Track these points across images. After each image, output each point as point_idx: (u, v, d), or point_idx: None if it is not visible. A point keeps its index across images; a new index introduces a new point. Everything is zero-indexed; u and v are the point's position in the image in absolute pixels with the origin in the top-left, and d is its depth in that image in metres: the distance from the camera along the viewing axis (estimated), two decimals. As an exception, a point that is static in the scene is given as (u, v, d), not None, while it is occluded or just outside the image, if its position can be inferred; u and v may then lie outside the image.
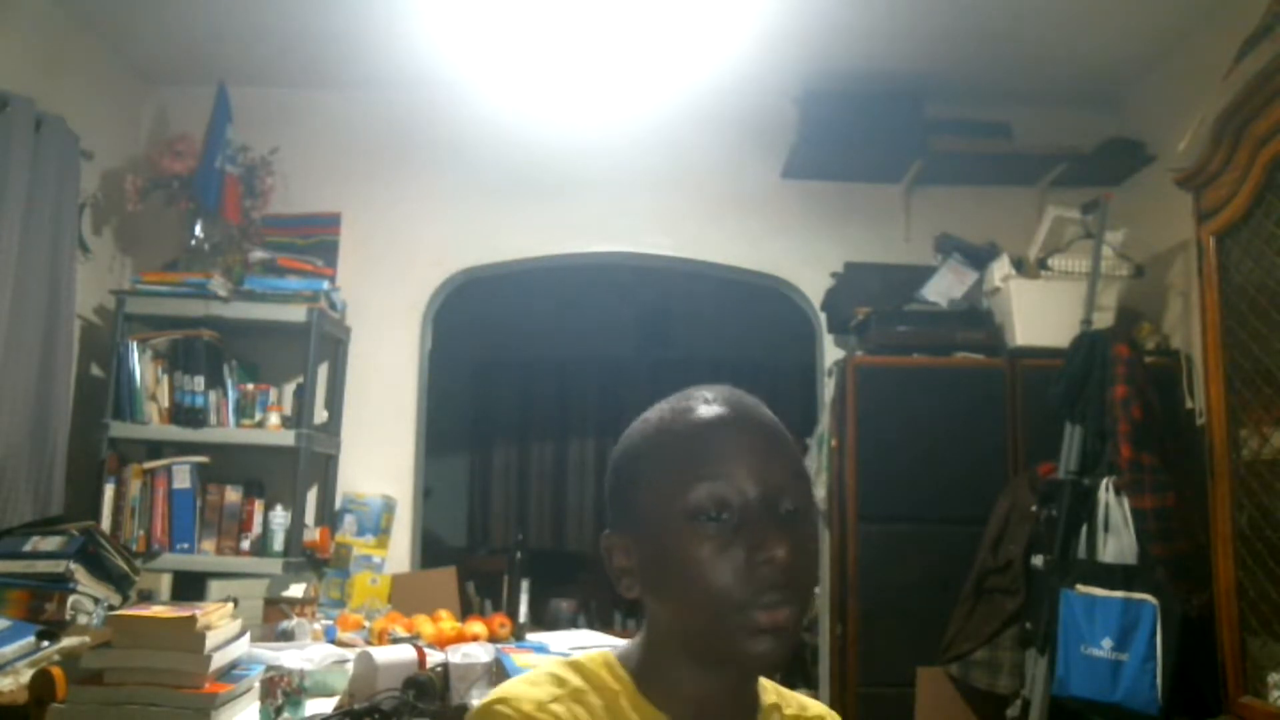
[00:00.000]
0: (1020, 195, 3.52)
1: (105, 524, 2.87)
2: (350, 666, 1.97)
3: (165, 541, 2.99)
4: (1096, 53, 3.21)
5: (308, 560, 3.13)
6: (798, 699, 0.97)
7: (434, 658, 2.02)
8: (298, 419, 3.11)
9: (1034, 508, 2.67)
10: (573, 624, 5.00)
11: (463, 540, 5.88)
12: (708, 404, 0.87)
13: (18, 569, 2.20)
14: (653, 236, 3.58)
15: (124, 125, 3.45)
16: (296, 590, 2.51)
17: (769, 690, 0.94)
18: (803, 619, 0.83)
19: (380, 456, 3.42)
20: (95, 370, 3.21)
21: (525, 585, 2.73)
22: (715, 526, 0.81)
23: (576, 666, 0.88)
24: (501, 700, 0.82)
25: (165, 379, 3.06)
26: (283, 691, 1.72)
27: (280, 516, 3.05)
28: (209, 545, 3.04)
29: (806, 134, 3.37)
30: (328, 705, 1.82)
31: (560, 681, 0.85)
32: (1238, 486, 2.20)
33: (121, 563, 2.35)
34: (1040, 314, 3.02)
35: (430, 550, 3.84)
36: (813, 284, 3.54)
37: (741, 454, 0.83)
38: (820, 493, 3.19)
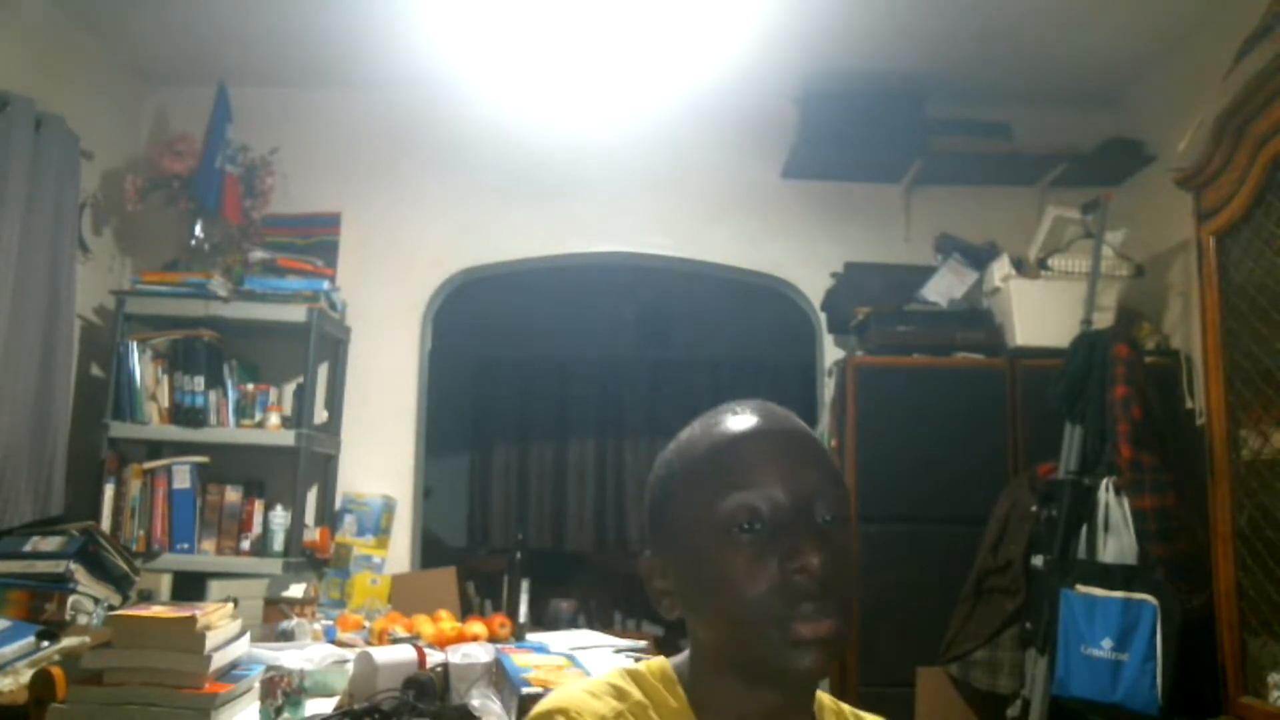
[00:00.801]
0: (1020, 195, 3.52)
1: (105, 524, 2.87)
2: (350, 666, 1.97)
3: (165, 541, 2.99)
4: (1096, 53, 3.21)
5: (308, 560, 3.13)
6: (857, 715, 0.94)
7: (434, 658, 2.02)
8: (298, 419, 3.11)
9: (1034, 508, 2.67)
10: (573, 624, 4.99)
11: (463, 540, 5.88)
12: (736, 415, 0.86)
13: (18, 569, 2.21)
14: (652, 236, 3.58)
15: (124, 125, 3.45)
16: (296, 590, 2.51)
17: (827, 708, 0.92)
18: (847, 630, 0.80)
19: (380, 456, 3.42)
20: (95, 370, 3.21)
21: (525, 585, 2.73)
22: (749, 537, 0.79)
23: (637, 678, 0.85)
24: (561, 710, 0.79)
25: (165, 379, 3.06)
26: (283, 691, 1.72)
27: (280, 516, 3.05)
28: (209, 545, 3.04)
29: (806, 134, 3.37)
30: (328, 705, 1.82)
31: (622, 694, 0.82)
32: (1238, 486, 2.20)
33: (121, 563, 2.35)
34: (1040, 314, 3.02)
35: (430, 550, 3.84)
36: (813, 284, 3.54)
37: (771, 462, 0.82)
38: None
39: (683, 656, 0.89)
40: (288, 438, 3.05)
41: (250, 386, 3.15)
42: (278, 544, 3.04)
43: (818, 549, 0.77)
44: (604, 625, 5.06)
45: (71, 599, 2.17)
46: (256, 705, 1.73)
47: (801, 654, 0.77)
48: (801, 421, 0.88)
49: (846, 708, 0.94)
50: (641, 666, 0.88)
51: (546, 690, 1.78)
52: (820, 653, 0.77)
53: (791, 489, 0.80)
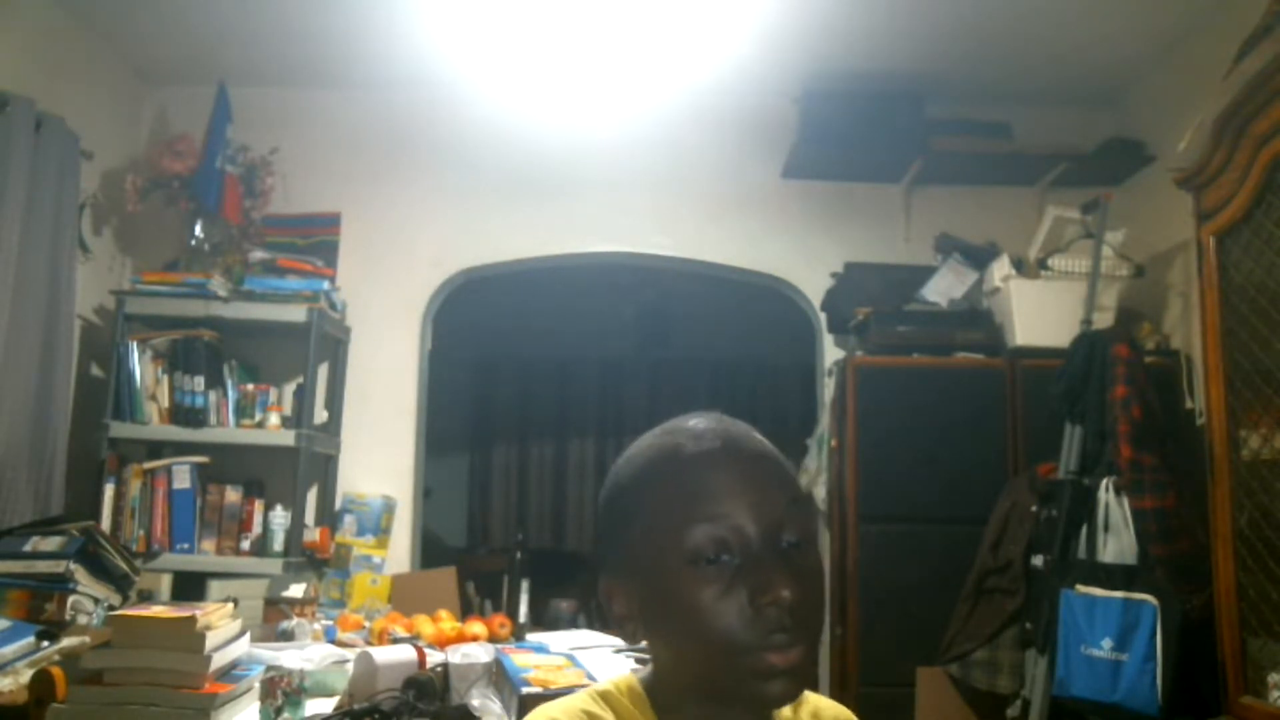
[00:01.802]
0: (1020, 195, 3.52)
1: (105, 524, 2.87)
2: (350, 667, 1.97)
3: (165, 541, 2.99)
4: (1096, 53, 3.21)
5: (308, 560, 3.13)
6: (813, 701, 0.94)
7: (434, 658, 2.02)
8: (298, 419, 3.11)
9: (1034, 508, 2.67)
10: (573, 624, 4.99)
11: (463, 540, 5.88)
12: (697, 439, 0.83)
13: (18, 569, 2.20)
14: (652, 236, 3.58)
15: (124, 125, 3.45)
16: (296, 590, 2.51)
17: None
18: (815, 653, 0.79)
19: (380, 456, 3.42)
20: (95, 370, 3.21)
21: (525, 585, 2.73)
22: (715, 569, 0.78)
23: (608, 699, 0.85)
24: None
25: (165, 379, 3.06)
26: (283, 692, 1.72)
27: (280, 516, 3.05)
28: (209, 545, 3.04)
29: (806, 134, 3.37)
30: (328, 705, 1.82)
31: (594, 718, 0.82)
32: (1238, 486, 2.20)
33: (121, 563, 2.35)
34: (1040, 314, 3.02)
35: (430, 550, 3.84)
36: (813, 284, 3.54)
37: (737, 491, 0.79)
38: (820, 493, 3.19)
39: (649, 672, 0.88)
40: (288, 438, 3.05)
41: (250, 386, 3.15)
42: (278, 544, 3.03)
43: (788, 580, 0.76)
44: (604, 625, 5.05)
45: (71, 599, 2.17)
46: (256, 705, 1.73)
47: (772, 683, 0.77)
48: (763, 438, 0.86)
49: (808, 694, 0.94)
50: (610, 686, 0.87)
51: (546, 690, 1.78)
52: (790, 680, 0.77)
53: (759, 518, 0.79)
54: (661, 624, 0.81)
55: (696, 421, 0.85)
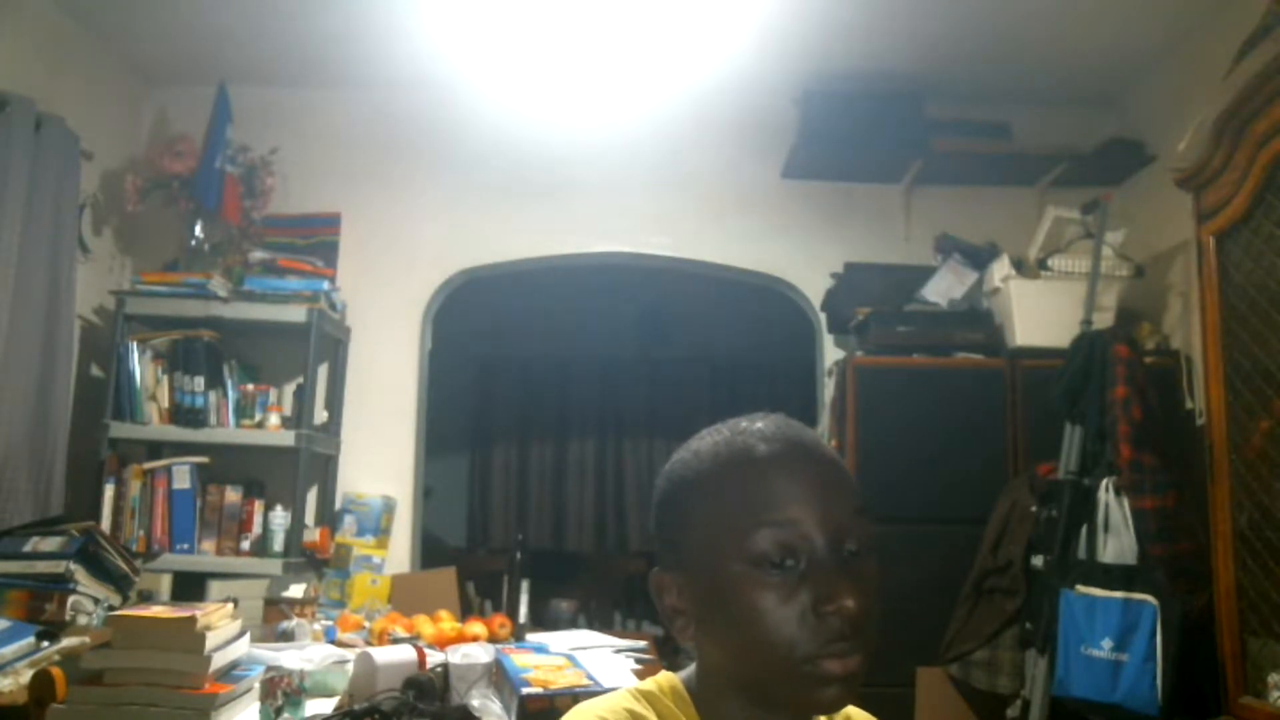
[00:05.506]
0: (1020, 195, 3.52)
1: (105, 524, 2.87)
2: (350, 667, 1.97)
3: (165, 542, 2.99)
4: (1096, 53, 3.21)
5: (308, 560, 3.13)
6: (844, 712, 0.94)
7: (434, 658, 2.02)
8: (298, 419, 3.11)
9: (1034, 508, 2.67)
10: (573, 624, 4.99)
11: (463, 540, 5.88)
12: (766, 442, 0.82)
13: (18, 569, 2.20)
14: (652, 236, 3.58)
15: (124, 125, 3.45)
16: (296, 591, 2.51)
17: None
18: (869, 662, 0.80)
19: (380, 456, 3.42)
20: (95, 370, 3.21)
21: (525, 585, 2.73)
22: (779, 574, 0.77)
23: (650, 699, 0.84)
24: None
25: (165, 379, 3.07)
26: (283, 692, 1.72)
27: (280, 517, 3.05)
28: (209, 545, 3.05)
29: (806, 134, 3.37)
30: (328, 706, 1.82)
31: (637, 718, 0.81)
32: (1238, 486, 2.20)
33: (121, 563, 2.35)
34: (1040, 314, 3.02)
35: (430, 550, 3.84)
36: (813, 284, 3.54)
37: (805, 498, 0.79)
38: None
39: (689, 672, 0.87)
40: (288, 438, 3.05)
41: (250, 386, 3.15)
42: (278, 544, 3.04)
43: (852, 590, 0.76)
44: (604, 625, 5.05)
45: (71, 599, 2.17)
46: (256, 706, 1.73)
47: (827, 689, 0.78)
48: (826, 444, 0.86)
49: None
50: (652, 685, 0.86)
51: (546, 690, 1.78)
52: (844, 688, 0.78)
53: (825, 526, 0.78)
54: (717, 624, 0.81)
55: (764, 423, 0.84)
